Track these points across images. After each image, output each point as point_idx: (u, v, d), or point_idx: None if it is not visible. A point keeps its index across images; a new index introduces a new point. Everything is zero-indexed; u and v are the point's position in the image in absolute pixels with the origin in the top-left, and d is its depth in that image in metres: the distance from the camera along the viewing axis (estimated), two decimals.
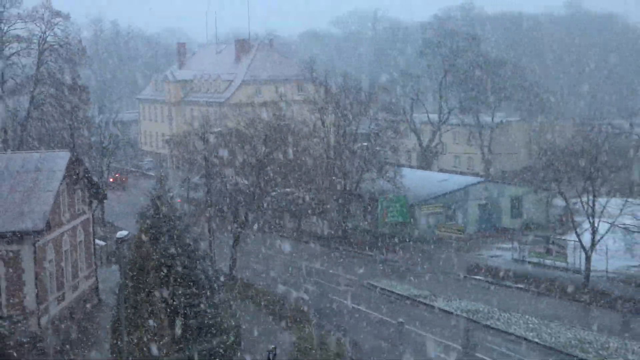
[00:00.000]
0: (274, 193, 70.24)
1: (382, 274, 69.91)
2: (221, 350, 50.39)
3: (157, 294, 47.57)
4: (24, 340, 47.06)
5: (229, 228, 68.50)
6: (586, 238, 62.98)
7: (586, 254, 62.50)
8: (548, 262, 69.82)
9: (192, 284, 51.19)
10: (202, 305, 51.59)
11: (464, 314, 58.10)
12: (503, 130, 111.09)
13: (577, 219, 65.73)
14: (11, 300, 47.29)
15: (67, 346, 51.28)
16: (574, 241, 65.87)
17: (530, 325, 55.62)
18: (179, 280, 50.48)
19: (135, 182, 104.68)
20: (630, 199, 63.85)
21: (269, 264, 72.86)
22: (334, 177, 79.70)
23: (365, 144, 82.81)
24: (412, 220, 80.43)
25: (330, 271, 71.34)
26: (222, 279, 62.79)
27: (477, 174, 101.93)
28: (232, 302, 60.12)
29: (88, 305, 57.20)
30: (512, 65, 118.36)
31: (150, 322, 46.83)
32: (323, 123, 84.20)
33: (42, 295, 48.32)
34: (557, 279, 64.84)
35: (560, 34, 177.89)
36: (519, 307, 59.69)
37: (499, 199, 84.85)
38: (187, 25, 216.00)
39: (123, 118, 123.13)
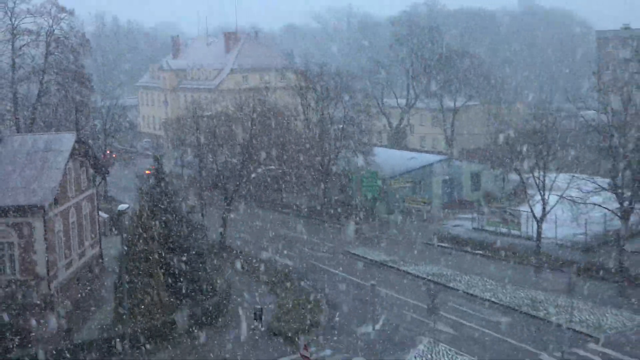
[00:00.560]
0: (259, 170, 70.30)
1: (357, 242, 70.17)
2: (213, 310, 50.56)
3: (155, 260, 47.72)
4: (36, 302, 47.08)
5: (219, 201, 68.49)
6: (537, 209, 63.31)
7: (537, 223, 62.86)
8: (504, 230, 70.20)
9: (186, 251, 51.29)
10: (195, 270, 51.75)
11: (429, 277, 58.50)
12: (464, 114, 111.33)
13: (530, 192, 65.98)
14: (24, 267, 47.31)
15: (75, 307, 51.35)
16: (527, 212, 66.21)
17: (488, 287, 56.08)
18: (175, 248, 50.58)
19: (136, 161, 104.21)
20: (576, 174, 64.16)
21: (255, 234, 72.96)
22: (313, 156, 79.72)
23: (341, 125, 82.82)
24: (383, 193, 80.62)
25: (310, 240, 71.51)
26: (213, 246, 63.07)
27: (440, 153, 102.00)
28: (222, 267, 60.33)
29: (93, 271, 57.17)
30: (471, 56, 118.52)
31: (149, 285, 47.03)
32: (303, 107, 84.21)
33: (52, 262, 48.30)
34: (512, 246, 65.28)
35: (515, 27, 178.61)
36: (478, 271, 60.12)
37: (460, 174, 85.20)
38: (181, 19, 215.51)
39: (124, 103, 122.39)
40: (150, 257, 47.32)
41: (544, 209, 62.55)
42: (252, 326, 49.11)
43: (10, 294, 46.75)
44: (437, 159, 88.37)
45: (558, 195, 62.06)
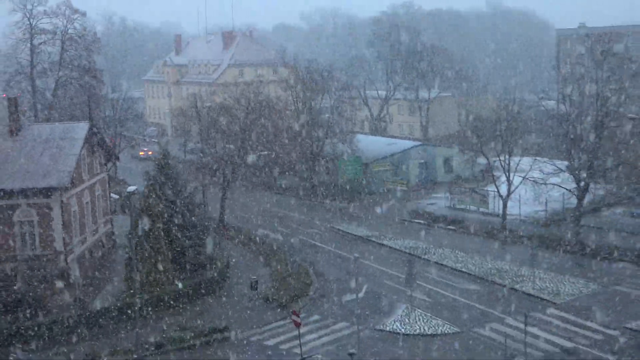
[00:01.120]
0: (254, 155, 70.26)
1: (342, 219, 70.30)
2: (214, 281, 50.66)
3: (161, 236, 47.77)
4: (54, 274, 47.08)
5: (219, 184, 68.43)
6: (503, 189, 63.53)
7: (503, 201, 63.08)
8: (473, 208, 70.45)
9: (189, 228, 51.36)
10: (197, 245, 51.81)
11: (407, 250, 58.69)
12: (437, 104, 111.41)
13: (496, 173, 66.20)
14: (44, 242, 47.32)
15: (89, 279, 51.38)
16: (494, 191, 66.45)
17: (459, 258, 56.30)
18: (179, 225, 50.61)
19: (143, 147, 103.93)
20: (538, 158, 64.34)
21: (250, 212, 73.00)
22: (302, 143, 79.65)
23: (328, 115, 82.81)
24: (365, 176, 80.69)
25: (301, 217, 71.64)
26: (213, 224, 63.09)
27: (417, 139, 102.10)
28: (221, 243, 60.38)
29: (105, 247, 57.16)
30: (444, 52, 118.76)
31: (156, 259, 47.09)
32: (293, 99, 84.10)
33: (68, 238, 48.31)
34: (480, 222, 65.54)
35: (483, 26, 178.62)
36: (450, 244, 60.29)
37: (434, 158, 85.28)
38: (183, 19, 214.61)
39: (131, 95, 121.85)
40: (157, 234, 47.35)
41: (508, 189, 62.78)
42: (249, 295, 49.28)
43: (31, 267, 46.77)
44: (413, 144, 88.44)
45: (521, 177, 62.27)
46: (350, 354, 29.54)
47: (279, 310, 46.59)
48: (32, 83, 79.03)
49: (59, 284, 47.11)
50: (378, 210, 72.72)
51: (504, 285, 49.99)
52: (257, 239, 62.47)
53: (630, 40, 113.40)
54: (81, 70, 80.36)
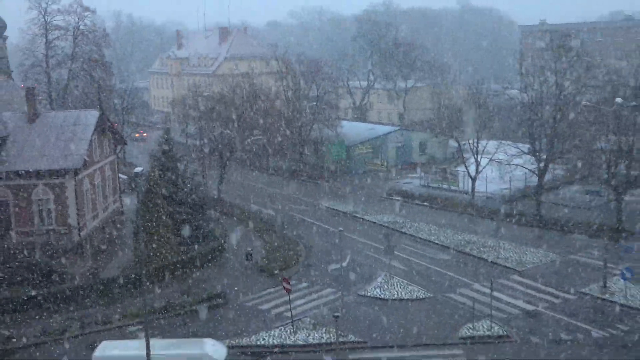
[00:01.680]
0: (248, 140, 70.07)
1: (327, 197, 70.35)
2: (213, 252, 50.68)
3: (165, 212, 47.69)
4: (69, 247, 47.00)
5: (217, 165, 68.30)
6: (472, 169, 63.82)
7: (472, 180, 63.37)
8: (445, 186, 70.64)
9: (190, 204, 51.26)
10: (198, 220, 51.75)
11: (386, 224, 58.90)
12: (413, 93, 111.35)
13: (466, 155, 66.43)
14: (59, 218, 47.14)
15: (101, 251, 51.29)
16: (463, 171, 66.70)
17: (432, 231, 56.56)
18: (180, 202, 50.53)
19: (147, 133, 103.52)
20: (503, 141, 64.61)
21: (246, 191, 72.96)
22: (292, 128, 79.53)
23: (315, 103, 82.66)
24: (348, 158, 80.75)
25: (290, 195, 71.64)
26: (212, 201, 62.98)
27: (394, 125, 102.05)
28: (219, 217, 60.37)
29: (115, 222, 57.02)
30: (419, 46, 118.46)
31: (161, 232, 47.03)
32: (283, 88, 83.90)
33: (81, 214, 48.15)
34: (451, 198, 65.75)
35: (454, 23, 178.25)
36: (424, 219, 60.58)
37: (410, 142, 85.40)
38: (184, 16, 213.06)
39: (138, 86, 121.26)
40: (161, 210, 47.26)
41: (477, 169, 63.08)
42: (244, 265, 49.37)
43: (48, 240, 46.67)
44: (391, 129, 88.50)
45: (488, 158, 62.56)
46: (335, 317, 29.69)
47: (271, 278, 46.74)
48: (48, 75, 78.46)
49: (74, 255, 47.06)
50: (360, 188, 72.83)
51: (472, 255, 50.43)
52: (252, 214, 62.54)
53: (585, 35, 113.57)
54: (92, 63, 79.86)
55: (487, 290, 39.92)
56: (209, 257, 49.76)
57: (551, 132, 58.85)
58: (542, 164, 59.67)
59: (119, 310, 41.73)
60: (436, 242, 53.91)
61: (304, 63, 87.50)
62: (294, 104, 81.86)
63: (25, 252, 45.19)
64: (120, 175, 63.36)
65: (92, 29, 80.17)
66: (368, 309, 41.58)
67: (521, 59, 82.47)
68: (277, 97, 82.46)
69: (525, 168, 60.75)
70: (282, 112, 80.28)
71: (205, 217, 53.36)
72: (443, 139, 73.93)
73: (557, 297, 42.50)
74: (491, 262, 48.55)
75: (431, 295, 43.24)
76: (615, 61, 73.35)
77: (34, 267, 44.73)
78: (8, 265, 43.12)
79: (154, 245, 46.73)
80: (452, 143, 71.31)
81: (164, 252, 47.23)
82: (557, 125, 58.86)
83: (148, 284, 43.83)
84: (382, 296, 43.40)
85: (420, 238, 55.04)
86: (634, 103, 53.23)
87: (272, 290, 44.72)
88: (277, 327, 38.96)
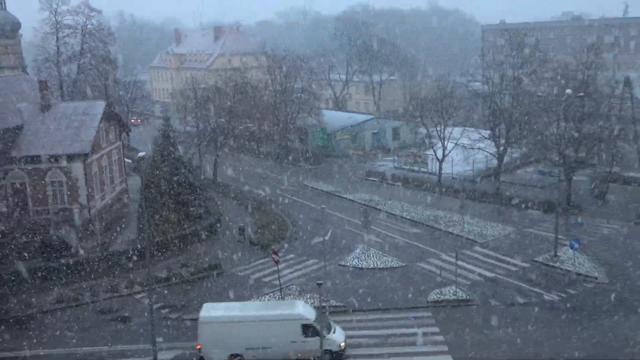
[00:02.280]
0: (240, 127, 69.81)
1: (311, 178, 70.28)
2: (209, 228, 50.64)
3: (166, 192, 47.54)
4: (80, 224, 46.75)
5: (212, 150, 68.00)
6: (439, 153, 63.97)
7: (439, 162, 63.56)
8: (415, 168, 70.70)
9: (189, 186, 51.07)
10: (195, 199, 51.59)
11: (363, 202, 58.98)
12: (387, 85, 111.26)
13: (434, 140, 66.56)
14: (71, 198, 46.80)
15: (108, 227, 51.06)
16: (431, 155, 66.84)
17: (404, 208, 56.74)
18: (180, 182, 50.32)
19: (149, 122, 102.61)
20: (466, 128, 64.76)
21: (238, 173, 72.68)
22: (279, 116, 79.22)
23: (299, 94, 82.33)
24: (329, 143, 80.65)
25: (278, 177, 71.50)
26: (208, 182, 62.84)
27: (371, 113, 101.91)
28: (215, 197, 60.22)
29: (121, 201, 56.74)
30: (392, 44, 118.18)
31: (162, 210, 46.91)
32: (271, 81, 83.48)
33: (90, 195, 47.86)
34: (421, 179, 65.94)
35: (424, 22, 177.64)
36: (397, 197, 60.69)
37: (385, 129, 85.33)
38: (182, 16, 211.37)
39: (140, 79, 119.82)
40: (163, 190, 47.10)
41: (443, 152, 63.22)
42: (237, 239, 49.37)
43: (62, 218, 46.38)
44: (368, 118, 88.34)
45: (453, 143, 62.74)
46: (319, 284, 29.81)
47: (261, 250, 46.80)
48: (58, 69, 77.52)
49: (84, 231, 46.85)
50: (340, 171, 72.83)
51: (440, 229, 50.73)
52: (243, 193, 62.42)
53: (539, 34, 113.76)
54: (98, 59, 79.07)
55: (453, 260, 40.29)
56: (206, 232, 49.73)
57: (509, 119, 59.13)
58: (501, 148, 60.01)
59: (125, 280, 41.72)
60: (408, 217, 54.11)
61: (290, 58, 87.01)
62: (281, 95, 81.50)
63: (41, 229, 44.95)
64: (126, 159, 62.95)
65: (98, 27, 79.15)
66: (347, 277, 41.78)
67: (483, 54, 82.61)
68: (265, 89, 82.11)
69: (486, 152, 61.06)
70: (270, 103, 79.97)
71: (202, 197, 53.19)
72: (413, 126, 73.92)
73: (513, 265, 42.93)
74: (456, 235, 48.90)
75: (403, 265, 43.51)
76: (565, 56, 73.58)
77: (48, 242, 44.57)
78: (25, 241, 42.87)
79: (156, 222, 46.63)
80: (422, 130, 71.28)
81: (165, 228, 47.16)
82: (514, 114, 59.14)
83: (151, 256, 43.80)
84: (360, 266, 43.63)
85: (393, 214, 55.21)
86: (581, 94, 53.54)
87: (262, 261, 44.82)
88: (267, 294, 39.10)
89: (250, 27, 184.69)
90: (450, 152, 63.00)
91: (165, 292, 40.16)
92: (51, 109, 50.60)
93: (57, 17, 76.80)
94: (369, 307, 37.27)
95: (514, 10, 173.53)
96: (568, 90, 55.14)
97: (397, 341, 33.12)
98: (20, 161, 46.19)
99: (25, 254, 42.07)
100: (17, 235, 41.44)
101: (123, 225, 52.68)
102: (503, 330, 33.57)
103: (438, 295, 38.21)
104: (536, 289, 38.88)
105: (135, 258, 43.74)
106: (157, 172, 47.15)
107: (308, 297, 37.96)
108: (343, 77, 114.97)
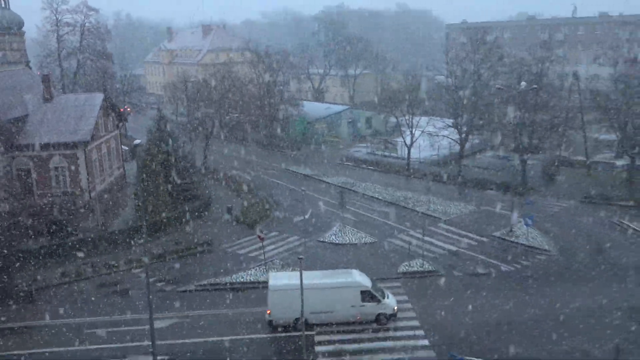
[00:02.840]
0: (227, 117, 69.40)
1: (293, 163, 70.18)
2: (200, 208, 50.45)
3: (159, 176, 47.19)
4: (82, 206, 46.33)
5: (202, 138, 67.54)
6: (408, 139, 64.16)
7: (408, 148, 63.73)
8: (386, 153, 70.99)
9: (181, 170, 50.77)
10: (187, 182, 51.32)
11: (339, 184, 59.05)
12: (361, 79, 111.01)
13: (403, 128, 66.69)
14: (73, 183, 46.35)
15: (108, 208, 50.65)
16: (401, 141, 67.03)
17: (377, 190, 56.93)
18: (172, 168, 49.97)
19: (144, 112, 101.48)
20: (432, 117, 64.96)
21: (226, 159, 72.36)
22: (263, 107, 78.83)
23: (281, 87, 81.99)
24: (309, 131, 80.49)
25: (263, 162, 71.34)
26: (198, 167, 62.43)
27: (346, 104, 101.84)
28: (205, 181, 59.89)
29: (119, 185, 56.27)
30: (366, 41, 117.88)
31: (157, 193, 46.58)
32: (256, 75, 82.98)
33: (91, 179, 47.40)
34: (392, 163, 66.21)
35: (394, 21, 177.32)
36: (370, 180, 60.92)
37: (359, 118, 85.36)
38: (174, 15, 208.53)
39: (135, 73, 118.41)
40: (157, 175, 46.75)
41: (411, 139, 63.41)
42: (226, 218, 49.25)
43: (64, 201, 45.91)
44: (344, 108, 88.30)
45: (420, 131, 62.94)
46: (299, 259, 29.87)
47: (247, 228, 46.74)
48: (60, 64, 76.41)
49: (85, 212, 46.43)
50: (318, 156, 72.77)
51: (409, 208, 51.00)
52: (231, 177, 62.16)
53: (497, 32, 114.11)
54: (96, 54, 77.97)
55: (420, 236, 40.62)
56: (197, 213, 49.53)
57: (470, 109, 59.42)
58: (463, 135, 60.34)
59: (123, 256, 41.49)
60: (380, 198, 54.33)
61: (273, 54, 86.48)
62: (265, 88, 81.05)
63: (46, 211, 44.47)
64: (123, 146, 62.36)
65: (96, 26, 78.07)
66: (326, 252, 41.93)
67: (447, 51, 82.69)
68: (250, 82, 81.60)
69: (450, 138, 61.35)
70: (255, 95, 79.52)
71: (193, 180, 52.91)
72: (385, 116, 74.01)
73: (474, 239, 43.36)
74: (423, 213, 49.20)
75: (376, 240, 43.76)
76: (521, 52, 73.96)
77: (52, 223, 44.11)
78: (31, 221, 42.40)
79: (151, 204, 46.31)
80: (392, 119, 71.43)
81: (160, 209, 46.86)
82: (475, 104, 59.43)
83: (148, 235, 43.62)
84: (337, 241, 43.77)
85: (367, 195, 55.41)
86: (535, 86, 53.92)
87: (248, 238, 44.74)
88: (253, 268, 39.12)
89: (237, 26, 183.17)
90: (417, 138, 63.22)
91: (160, 266, 39.99)
92: (53, 101, 49.93)
93: (57, 16, 75.65)
94: None
95: (475, 10, 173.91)
96: (523, 83, 55.52)
97: None
98: (25, 148, 45.57)
99: (32, 234, 41.65)
100: (23, 216, 40.96)
101: (121, 207, 52.29)
102: (465, 297, 33.95)
103: (407, 267, 38.49)
104: (494, 261, 39.35)
105: (132, 236, 43.46)
106: (152, 158, 46.73)
107: (290, 270, 38.04)
108: (321, 71, 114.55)
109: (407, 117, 64.00)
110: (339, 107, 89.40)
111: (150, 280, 32.99)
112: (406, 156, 64.35)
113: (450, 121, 61.75)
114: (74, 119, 47.75)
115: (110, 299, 35.89)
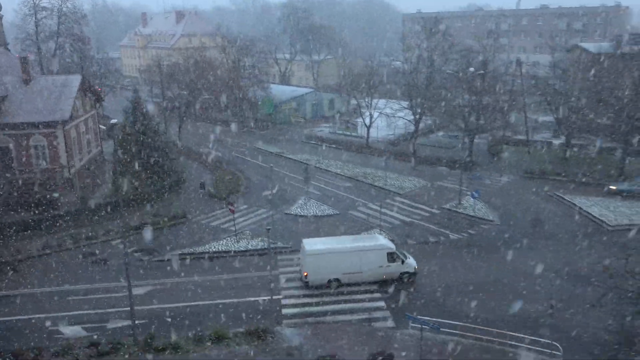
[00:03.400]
0: (200, 98, 68.37)
1: (262, 141, 69.75)
2: (174, 184, 49.82)
3: (135, 154, 46.35)
4: (61, 182, 45.22)
5: (176, 118, 66.46)
6: (367, 120, 64.34)
7: (367, 128, 63.95)
8: (347, 133, 71.15)
9: (156, 148, 49.90)
10: (162, 159, 50.52)
11: (304, 161, 59.03)
12: (324, 64, 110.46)
13: (362, 110, 66.82)
14: (52, 160, 45.09)
15: (86, 184, 49.59)
16: (361, 122, 67.21)
17: (339, 166, 57.10)
18: (147, 146, 49.08)
19: (120, 94, 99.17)
20: (389, 100, 65.21)
21: (199, 138, 71.51)
22: (233, 89, 77.85)
23: (250, 70, 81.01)
24: (276, 112, 79.95)
25: (233, 141, 70.68)
26: (172, 145, 61.51)
27: (310, 87, 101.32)
28: (179, 158, 59.11)
29: (97, 162, 55.04)
30: (328, 28, 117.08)
31: (133, 169, 45.80)
32: (226, 59, 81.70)
33: (70, 156, 46.17)
34: (352, 142, 66.34)
35: (355, 10, 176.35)
36: (332, 157, 61.01)
37: (322, 100, 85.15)
38: (147, 0, 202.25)
39: (111, 56, 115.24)
40: (133, 152, 45.90)
41: (370, 120, 63.63)
42: (199, 192, 48.80)
43: (45, 177, 44.73)
44: (308, 91, 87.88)
45: (378, 112, 63.16)
46: (267, 229, 29.90)
47: (219, 202, 46.43)
48: (38, 47, 73.62)
49: (65, 188, 45.35)
50: (285, 135, 72.49)
51: (367, 183, 51.33)
52: (204, 154, 61.51)
53: (449, 21, 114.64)
54: (74, 37, 75.40)
55: (378, 208, 40.98)
56: (172, 188, 48.91)
57: (424, 93, 59.79)
58: (417, 116, 60.79)
59: (103, 229, 40.79)
60: (341, 174, 54.50)
61: (242, 39, 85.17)
62: (235, 71, 79.95)
63: (26, 187, 43.29)
64: (100, 125, 60.88)
65: (73, 10, 75.24)
66: (291, 224, 41.98)
67: (403, 38, 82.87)
68: (221, 66, 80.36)
69: (405, 119, 61.78)
70: (226, 78, 78.44)
71: (168, 157, 52.09)
72: (346, 98, 73.96)
73: (426, 211, 43.96)
74: (380, 187, 49.62)
75: (338, 213, 43.98)
76: (469, 41, 74.59)
77: (34, 198, 43.00)
78: (13, 197, 41.25)
79: (129, 179, 45.52)
80: (353, 101, 71.46)
81: (136, 184, 46.11)
82: (428, 88, 59.81)
83: (125, 208, 42.95)
84: (302, 214, 43.85)
85: (329, 171, 55.52)
86: (482, 72, 54.51)
87: (220, 211, 44.52)
88: (225, 238, 38.97)
89: (207, 12, 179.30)
90: (375, 119, 63.45)
91: (138, 237, 39.49)
92: (32, 82, 48.23)
93: (34, 0, 72.67)
94: None
95: (430, 1, 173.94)
96: (471, 69, 56.08)
97: None
98: (5, 127, 44.11)
99: (14, 208, 40.55)
100: (5, 192, 39.81)
101: (99, 183, 51.27)
102: (418, 262, 34.50)
103: None
104: (444, 230, 40.00)
105: (110, 210, 42.72)
106: (128, 137, 45.80)
107: (259, 239, 38.02)
108: (287, 56, 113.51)
109: (366, 100, 64.09)
110: (304, 90, 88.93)
111: (129, 250, 32.55)
112: (365, 135, 64.58)
113: (405, 103, 62.09)
114: (53, 99, 46.29)
115: (90, 267, 35.30)
